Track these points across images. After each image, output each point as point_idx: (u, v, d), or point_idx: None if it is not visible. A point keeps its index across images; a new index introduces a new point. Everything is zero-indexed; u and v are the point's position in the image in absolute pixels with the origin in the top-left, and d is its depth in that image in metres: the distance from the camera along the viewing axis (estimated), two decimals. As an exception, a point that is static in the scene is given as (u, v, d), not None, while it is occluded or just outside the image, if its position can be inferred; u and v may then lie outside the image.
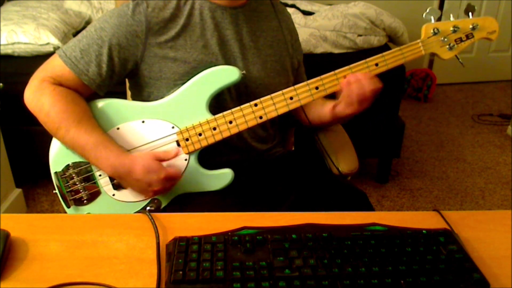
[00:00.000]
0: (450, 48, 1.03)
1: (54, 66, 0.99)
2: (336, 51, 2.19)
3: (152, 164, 0.93)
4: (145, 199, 1.01)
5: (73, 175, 1.00)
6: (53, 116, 0.95)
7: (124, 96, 1.20)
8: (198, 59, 1.00)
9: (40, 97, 0.97)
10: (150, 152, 0.98)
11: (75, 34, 2.31)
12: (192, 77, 0.99)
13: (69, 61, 0.98)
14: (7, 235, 0.72)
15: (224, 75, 0.99)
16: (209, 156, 1.03)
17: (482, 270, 0.68)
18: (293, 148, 1.44)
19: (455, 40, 1.03)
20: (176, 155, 0.98)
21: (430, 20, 1.02)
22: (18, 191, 2.01)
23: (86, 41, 0.98)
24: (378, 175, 2.40)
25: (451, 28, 1.02)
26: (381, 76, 1.02)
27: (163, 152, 0.98)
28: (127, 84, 1.18)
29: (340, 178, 1.15)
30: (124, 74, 1.03)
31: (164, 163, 0.96)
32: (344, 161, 1.17)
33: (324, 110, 1.12)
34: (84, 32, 1.00)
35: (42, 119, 0.97)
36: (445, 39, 1.02)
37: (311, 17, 2.30)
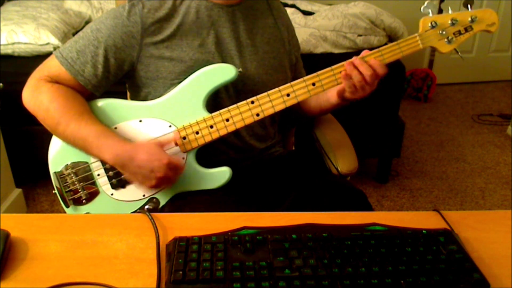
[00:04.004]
0: (449, 42, 1.01)
1: (51, 67, 1.00)
2: (336, 51, 2.19)
3: (155, 150, 0.92)
4: (144, 198, 1.00)
5: (72, 175, 1.00)
6: (53, 112, 0.95)
7: (124, 96, 1.20)
8: (195, 58, 1.00)
9: (38, 95, 0.97)
10: (151, 139, 0.98)
11: (75, 34, 2.30)
12: (189, 76, 1.00)
13: (65, 61, 0.98)
14: (7, 235, 0.72)
15: (220, 73, 0.99)
16: (208, 155, 1.03)
17: (482, 270, 0.68)
18: (293, 148, 1.44)
19: (454, 33, 1.01)
20: (174, 139, 0.98)
21: (428, 13, 1.01)
22: (18, 191, 2.01)
23: (83, 42, 0.98)
24: (378, 175, 2.40)
25: (449, 21, 1.00)
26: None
27: (163, 138, 0.98)
28: (127, 84, 1.18)
29: (340, 178, 1.15)
30: (121, 75, 1.03)
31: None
32: (344, 161, 1.17)
33: (325, 98, 1.12)
34: (80, 33, 1.01)
35: (41, 116, 0.97)
36: (443, 32, 1.01)
37: (311, 17, 2.30)
